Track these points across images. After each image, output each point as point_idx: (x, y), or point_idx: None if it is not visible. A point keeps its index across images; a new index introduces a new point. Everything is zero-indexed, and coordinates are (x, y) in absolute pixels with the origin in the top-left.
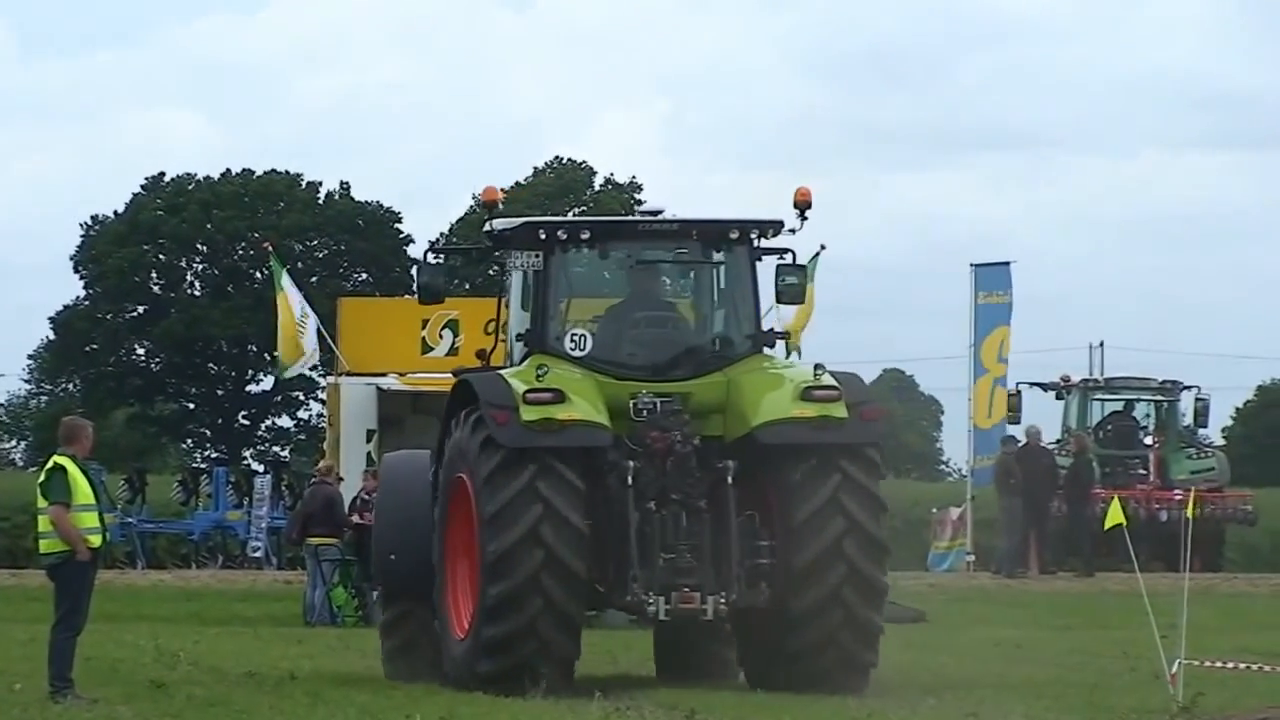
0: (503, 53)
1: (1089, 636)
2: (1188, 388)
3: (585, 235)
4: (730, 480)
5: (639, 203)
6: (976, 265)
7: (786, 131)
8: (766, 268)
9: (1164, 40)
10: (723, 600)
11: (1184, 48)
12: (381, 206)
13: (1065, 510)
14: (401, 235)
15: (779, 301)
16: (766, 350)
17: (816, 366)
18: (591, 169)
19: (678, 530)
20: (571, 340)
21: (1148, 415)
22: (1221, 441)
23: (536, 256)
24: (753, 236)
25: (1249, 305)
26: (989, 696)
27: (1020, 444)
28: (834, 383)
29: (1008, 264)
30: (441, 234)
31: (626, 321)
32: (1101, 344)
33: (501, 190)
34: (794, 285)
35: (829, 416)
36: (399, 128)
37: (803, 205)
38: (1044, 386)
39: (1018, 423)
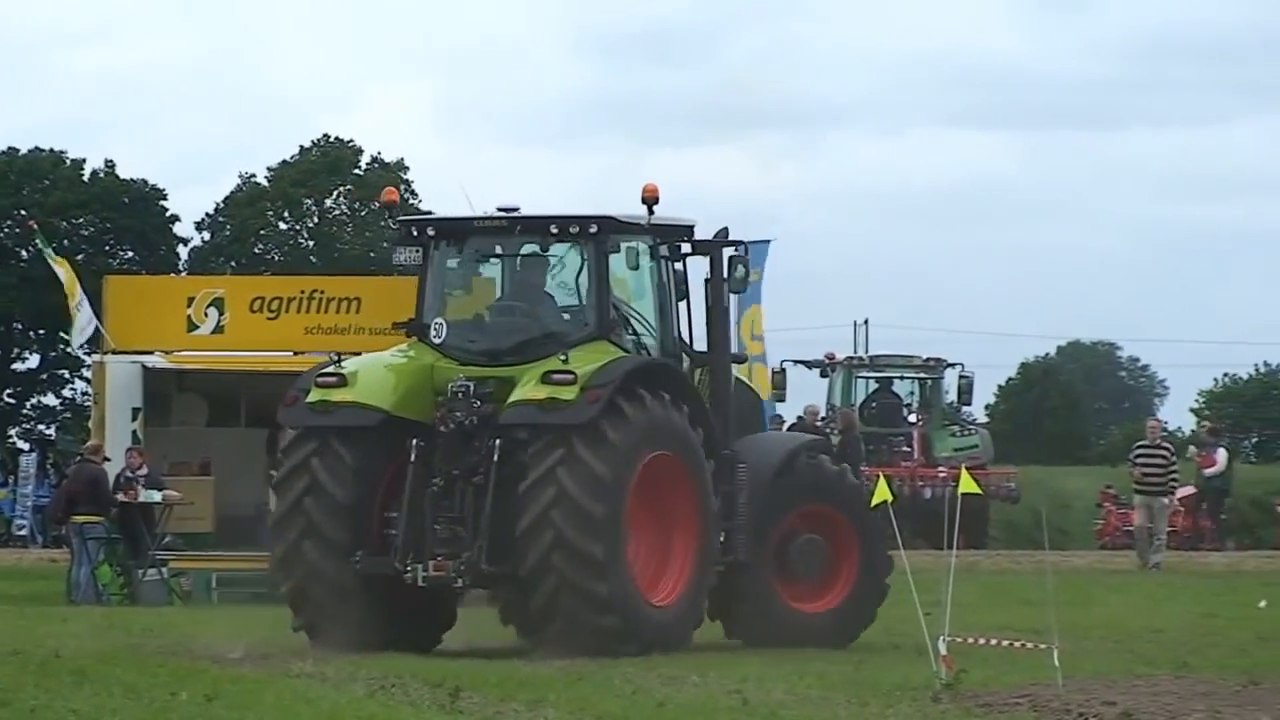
0: (269, 29)
1: None
2: (951, 365)
3: (434, 231)
4: (495, 457)
5: (407, 182)
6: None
7: (556, 109)
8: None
9: (932, 18)
10: (462, 566)
11: (951, 26)
12: (146, 184)
13: None
14: (167, 213)
15: (730, 291)
16: (611, 339)
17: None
18: (359, 147)
19: (447, 503)
20: (434, 330)
21: (912, 393)
22: (985, 419)
23: (416, 252)
24: (593, 231)
25: (1014, 283)
26: (753, 674)
27: (795, 422)
28: (572, 370)
29: (768, 242)
30: (207, 214)
31: (478, 312)
32: (866, 321)
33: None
34: (742, 276)
35: (556, 399)
36: (164, 105)
37: (650, 200)
38: (809, 364)
39: (783, 400)
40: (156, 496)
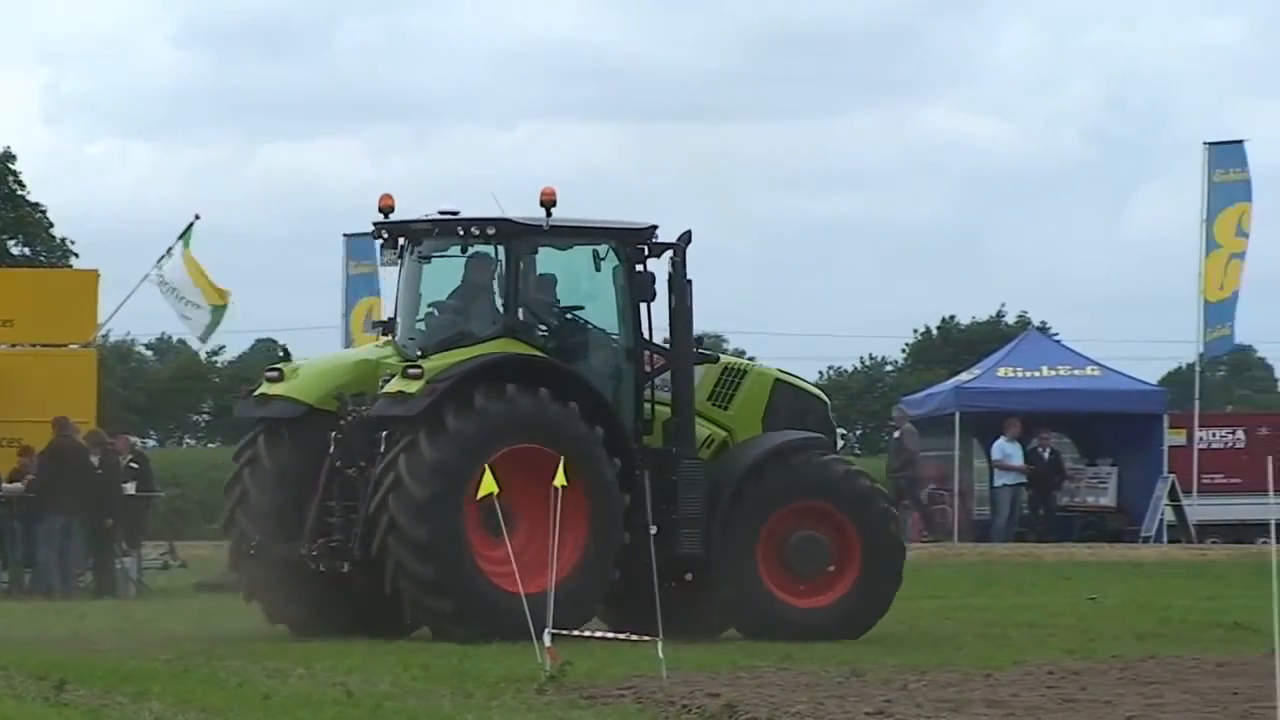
0: None
1: None
2: None
3: (387, 235)
4: (382, 448)
5: (14, 173)
6: (349, 235)
7: (164, 100)
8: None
9: (542, 9)
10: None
11: (562, 17)
12: None
13: None
14: None
15: (639, 299)
16: (518, 336)
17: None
18: None
19: (347, 491)
20: (397, 328)
21: None
22: None
23: (394, 253)
24: (491, 233)
25: None
26: (359, 667)
27: None
28: (421, 365)
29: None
30: None
31: (426, 310)
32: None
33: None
34: (649, 283)
35: (404, 392)
36: None
37: (548, 203)
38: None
39: None
40: None
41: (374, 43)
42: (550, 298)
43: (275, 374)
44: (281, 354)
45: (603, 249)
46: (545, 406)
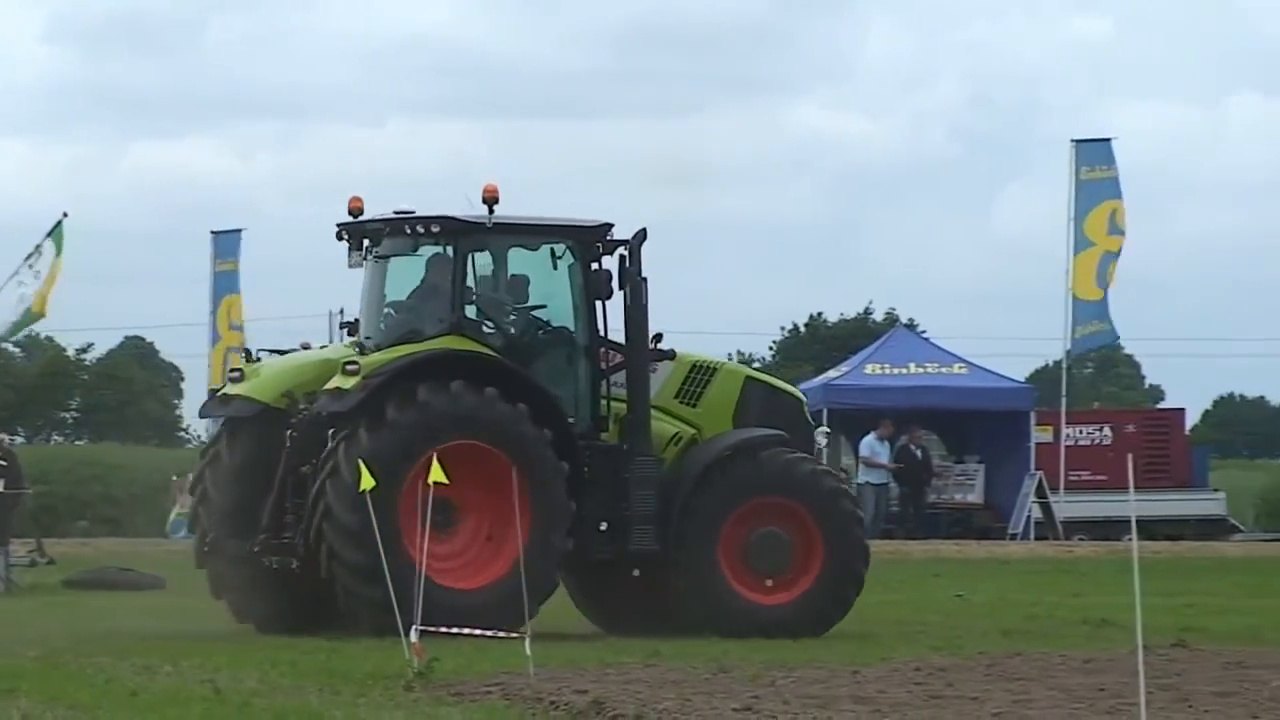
0: None
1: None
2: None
3: (349, 234)
4: (330, 444)
5: None
6: (216, 233)
7: (31, 97)
8: None
9: (409, 6)
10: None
11: (429, 15)
12: None
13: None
14: None
15: (595, 297)
16: (467, 334)
17: (656, 336)
18: None
19: (298, 489)
20: (356, 327)
21: None
22: None
23: (360, 253)
24: (450, 231)
25: None
26: (226, 664)
27: None
28: (357, 361)
29: (239, 231)
30: None
31: (381, 311)
32: (341, 311)
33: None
34: (607, 279)
35: (340, 388)
36: None
37: (490, 200)
38: (281, 353)
39: None
40: None
41: (243, 39)
42: (504, 295)
43: (237, 374)
44: (245, 355)
45: (558, 247)
46: (482, 402)
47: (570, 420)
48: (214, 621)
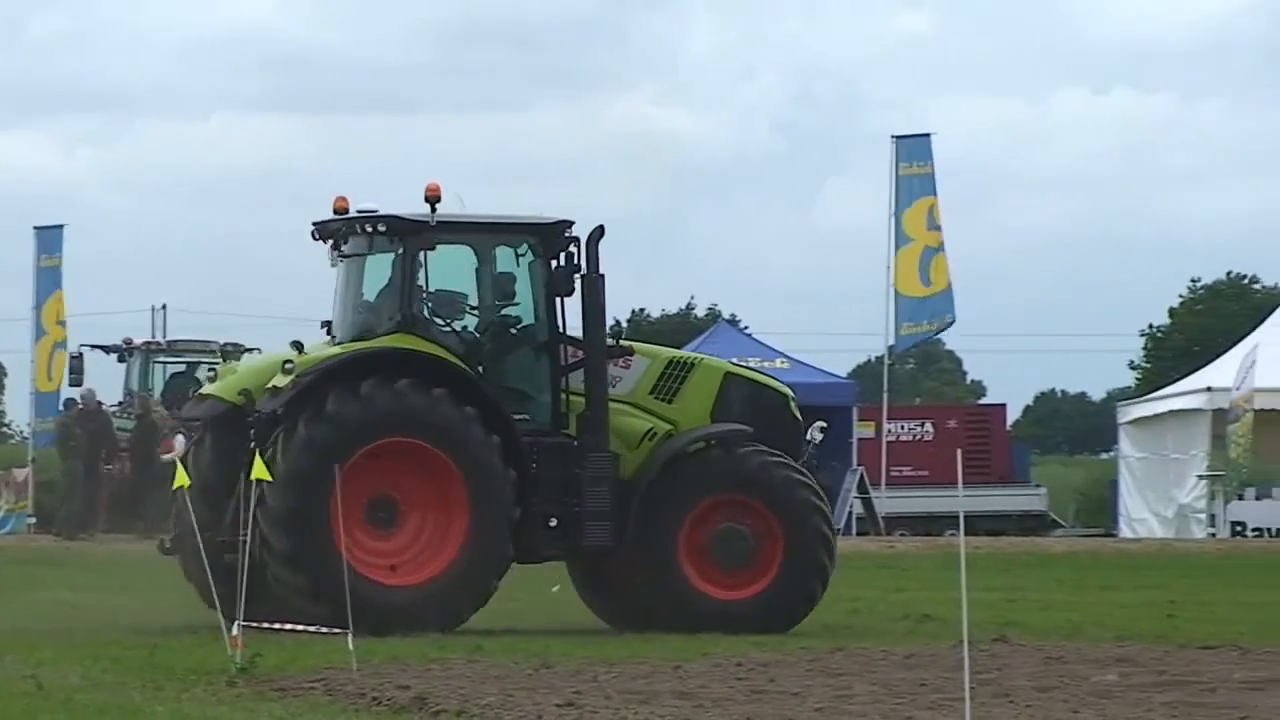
0: None
1: (146, 599)
2: (249, 349)
3: (319, 234)
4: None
5: None
6: (39, 228)
7: None
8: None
9: (234, 1)
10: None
11: (252, 9)
12: None
13: (130, 472)
14: None
15: (556, 294)
16: (416, 332)
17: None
18: None
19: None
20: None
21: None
22: None
23: (336, 253)
24: (396, 230)
25: (322, 269)
26: (49, 660)
27: (79, 407)
28: (292, 360)
29: (60, 227)
30: None
31: (347, 308)
32: (164, 306)
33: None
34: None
35: (275, 386)
36: None
37: (433, 199)
38: (106, 349)
39: (80, 385)
40: None
41: (63, 33)
42: (457, 293)
43: (213, 374)
44: (228, 350)
45: (510, 244)
46: (415, 400)
47: (523, 417)
48: (36, 618)
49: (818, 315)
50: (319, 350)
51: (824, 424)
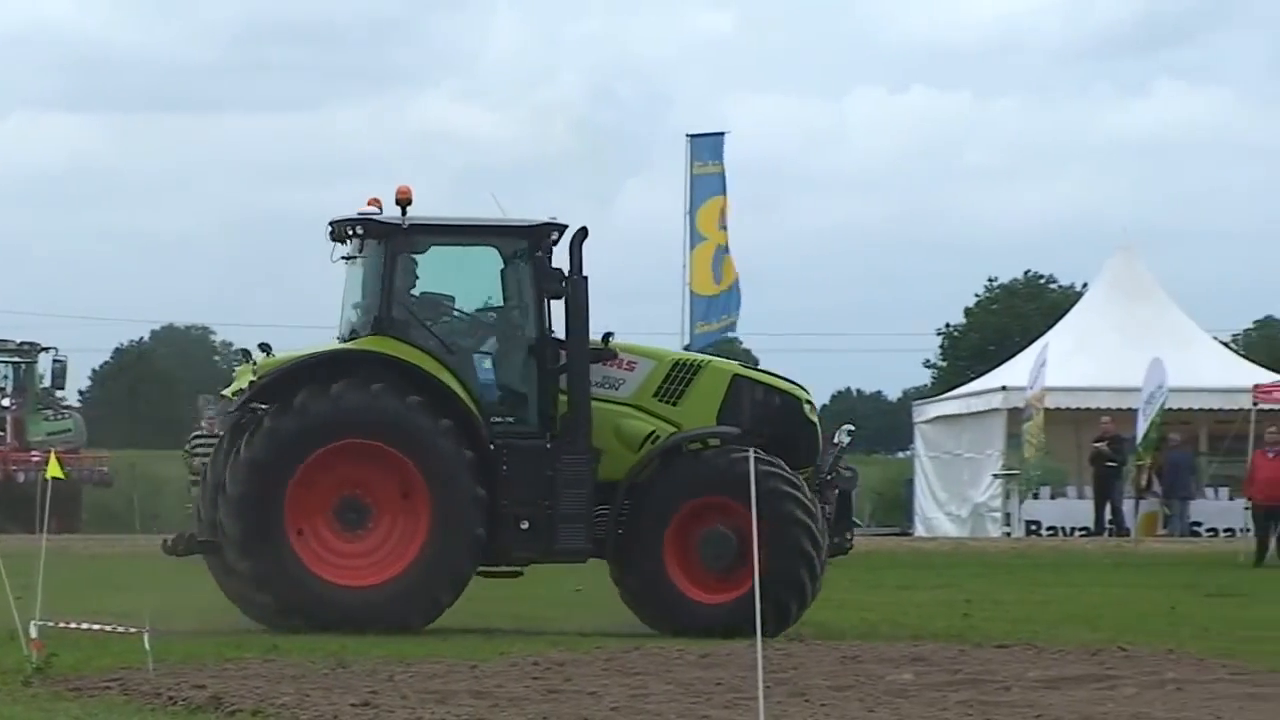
0: None
1: None
2: (45, 349)
3: (332, 234)
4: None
5: None
6: None
7: None
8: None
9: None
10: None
11: (49, 7)
12: None
13: None
14: None
15: (544, 296)
16: (391, 334)
17: (605, 336)
18: None
19: None
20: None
21: (5, 376)
22: (79, 403)
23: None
24: (372, 232)
25: (109, 266)
26: None
27: None
28: (257, 363)
29: None
30: None
31: (346, 309)
32: None
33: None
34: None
35: (241, 389)
36: None
37: (403, 202)
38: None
39: None
40: None
41: None
42: (441, 296)
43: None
44: (241, 356)
45: (489, 247)
46: (388, 402)
47: (507, 420)
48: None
49: (615, 314)
50: (286, 353)
51: (851, 426)
